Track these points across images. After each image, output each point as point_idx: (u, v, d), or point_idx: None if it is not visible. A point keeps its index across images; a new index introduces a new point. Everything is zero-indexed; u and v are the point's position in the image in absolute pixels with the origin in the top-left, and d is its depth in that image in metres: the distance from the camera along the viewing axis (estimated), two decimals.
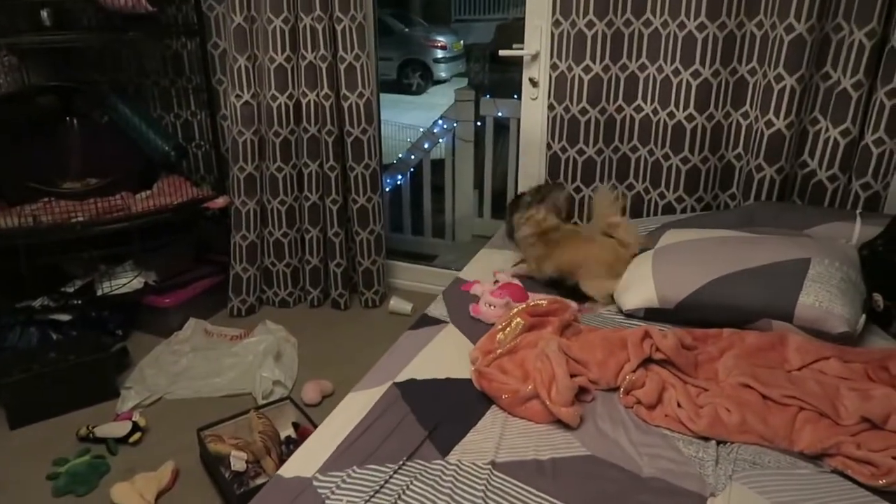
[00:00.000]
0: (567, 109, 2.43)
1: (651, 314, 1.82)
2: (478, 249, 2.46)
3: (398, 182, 3.92)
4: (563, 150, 2.49)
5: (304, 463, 1.29)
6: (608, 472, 1.27)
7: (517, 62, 2.61)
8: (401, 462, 1.28)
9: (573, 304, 1.89)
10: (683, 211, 2.39)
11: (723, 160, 2.34)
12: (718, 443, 1.35)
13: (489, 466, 1.27)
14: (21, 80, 2.81)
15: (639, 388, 1.49)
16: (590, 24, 2.28)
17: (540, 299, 1.81)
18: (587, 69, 2.34)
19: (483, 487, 1.21)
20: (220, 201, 2.88)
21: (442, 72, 8.94)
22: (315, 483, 1.23)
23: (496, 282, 2.03)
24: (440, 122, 3.74)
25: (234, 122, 2.79)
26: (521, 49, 2.55)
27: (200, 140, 3.17)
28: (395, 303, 3.04)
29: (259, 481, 1.86)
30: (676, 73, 2.25)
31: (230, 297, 3.01)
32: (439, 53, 8.94)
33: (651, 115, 2.36)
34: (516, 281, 2.03)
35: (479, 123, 3.59)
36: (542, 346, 1.55)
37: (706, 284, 1.75)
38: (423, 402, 1.47)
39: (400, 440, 1.34)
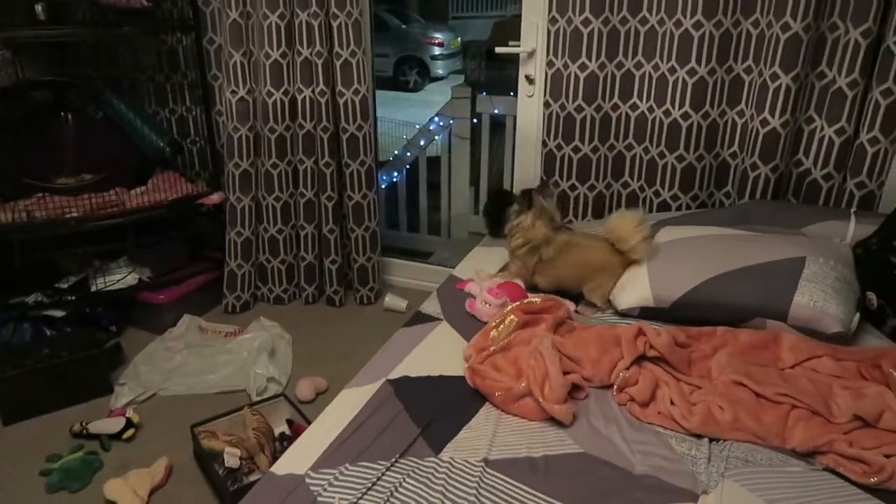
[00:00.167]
0: (563, 107, 2.42)
1: (646, 313, 1.82)
2: (473, 247, 2.46)
3: (394, 179, 3.91)
4: (559, 147, 2.49)
5: (296, 460, 1.29)
6: (601, 469, 1.27)
7: (514, 59, 2.60)
8: (393, 459, 1.28)
9: (567, 303, 1.88)
10: (678, 209, 2.39)
11: (718, 158, 2.34)
12: (711, 440, 1.35)
13: (482, 464, 1.27)
14: (15, 74, 2.79)
15: (632, 385, 1.49)
16: (586, 22, 2.28)
17: (534, 297, 1.81)
18: (583, 67, 2.34)
19: (476, 484, 1.21)
20: (215, 197, 2.88)
21: (439, 69, 8.93)
22: (307, 480, 1.23)
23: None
24: (436, 119, 3.73)
25: (230, 117, 2.78)
26: (518, 46, 2.55)
27: (195, 136, 3.16)
28: (390, 300, 3.03)
29: (253, 478, 1.86)
30: (672, 71, 2.24)
31: (225, 294, 3.01)
32: (436, 50, 8.93)
33: (647, 112, 2.36)
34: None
35: (475, 120, 3.59)
36: (535, 344, 1.55)
37: (701, 283, 1.75)
38: (417, 399, 1.47)
39: (393, 437, 1.34)
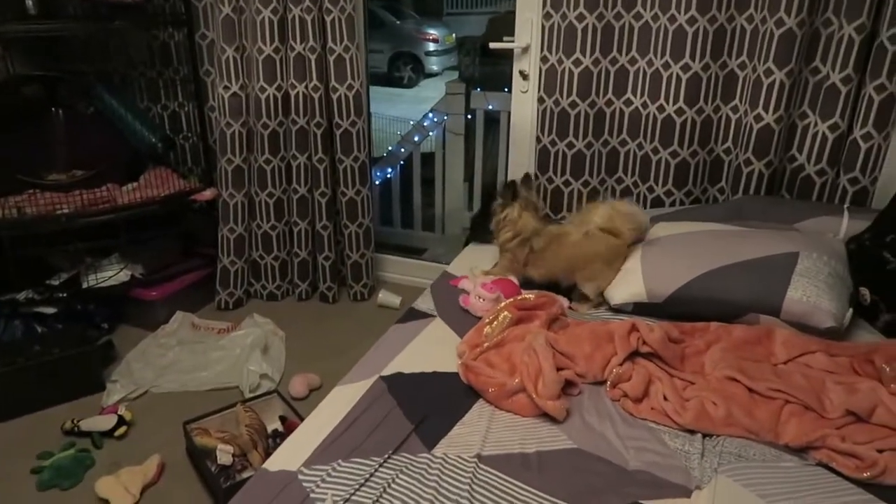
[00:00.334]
0: (557, 102, 2.42)
1: (639, 308, 1.82)
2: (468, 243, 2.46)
3: (388, 175, 3.90)
4: (553, 143, 2.48)
5: (289, 456, 1.29)
6: (594, 465, 1.27)
7: (508, 55, 2.60)
8: (386, 455, 1.27)
9: (561, 299, 1.88)
10: (672, 204, 2.39)
11: (712, 154, 2.34)
12: (704, 436, 1.35)
13: (475, 460, 1.27)
14: (5, 69, 2.77)
15: (625, 381, 1.49)
16: (580, 17, 2.27)
17: (528, 293, 1.81)
18: (577, 62, 2.33)
19: (469, 480, 1.21)
20: (208, 193, 2.86)
21: (433, 65, 8.91)
22: (300, 476, 1.23)
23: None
24: (430, 115, 3.72)
25: (222, 113, 2.76)
26: (512, 42, 2.54)
27: (188, 132, 3.14)
28: (384, 296, 3.03)
29: (246, 475, 1.85)
30: (666, 66, 2.24)
31: (217, 291, 2.99)
32: (431, 46, 8.90)
33: (641, 108, 2.36)
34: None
35: (469, 116, 3.57)
36: (529, 340, 1.55)
37: (695, 279, 1.75)
38: (410, 395, 1.47)
39: (386, 434, 1.34)
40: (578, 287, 1.95)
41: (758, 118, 2.15)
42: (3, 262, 2.50)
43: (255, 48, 2.67)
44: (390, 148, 4.05)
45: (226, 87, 2.72)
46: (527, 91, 2.59)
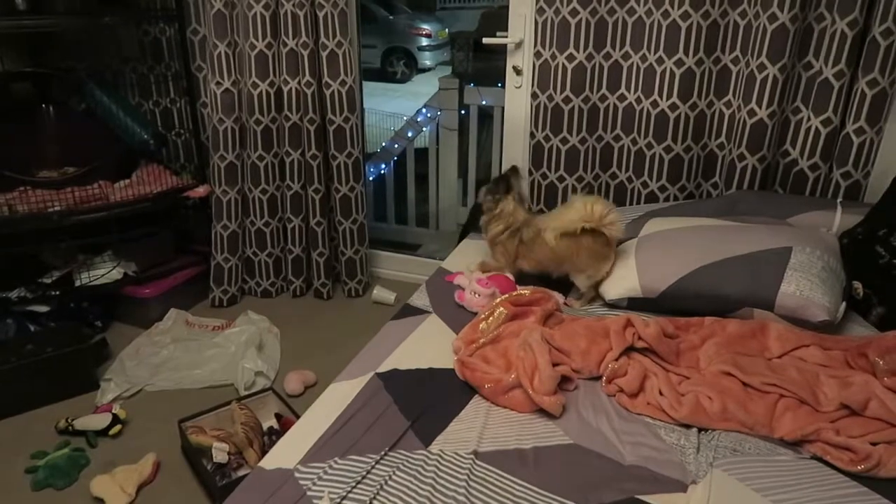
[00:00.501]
0: (550, 98, 2.42)
1: (634, 304, 1.83)
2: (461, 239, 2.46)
3: (382, 171, 3.89)
4: (547, 138, 2.48)
5: (285, 454, 1.28)
6: (590, 460, 1.27)
7: (501, 50, 2.59)
8: (383, 452, 1.27)
9: (556, 295, 1.88)
10: (666, 200, 2.40)
11: (705, 149, 2.35)
12: (700, 430, 1.36)
13: (472, 456, 1.27)
14: None
15: (621, 376, 1.49)
16: (573, 13, 2.27)
17: (523, 289, 1.81)
18: (571, 57, 2.33)
19: (465, 477, 1.21)
20: (201, 190, 2.85)
21: (426, 60, 8.89)
22: (297, 475, 1.22)
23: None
24: (424, 110, 3.71)
25: (215, 109, 2.75)
26: (505, 37, 2.53)
27: (180, 128, 3.12)
28: (379, 292, 3.02)
29: (241, 473, 1.85)
30: (660, 61, 2.24)
31: (212, 288, 2.98)
32: (424, 41, 8.88)
33: (634, 103, 2.36)
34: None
35: (463, 112, 3.57)
36: (524, 336, 1.55)
37: (689, 274, 1.75)
38: (406, 392, 1.47)
39: (382, 431, 1.34)
40: (571, 279, 1.95)
41: (751, 113, 2.15)
42: None
43: (247, 43, 2.65)
44: (384, 144, 4.05)
45: (218, 83, 2.71)
46: (520, 86, 2.59)
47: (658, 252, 1.87)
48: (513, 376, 1.43)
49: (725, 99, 2.25)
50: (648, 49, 2.26)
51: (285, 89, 2.72)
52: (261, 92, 2.71)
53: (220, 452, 1.85)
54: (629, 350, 1.56)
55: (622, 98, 2.38)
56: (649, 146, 2.37)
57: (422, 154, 3.73)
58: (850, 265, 1.81)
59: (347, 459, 1.25)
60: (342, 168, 2.84)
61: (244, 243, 2.99)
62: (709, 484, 1.19)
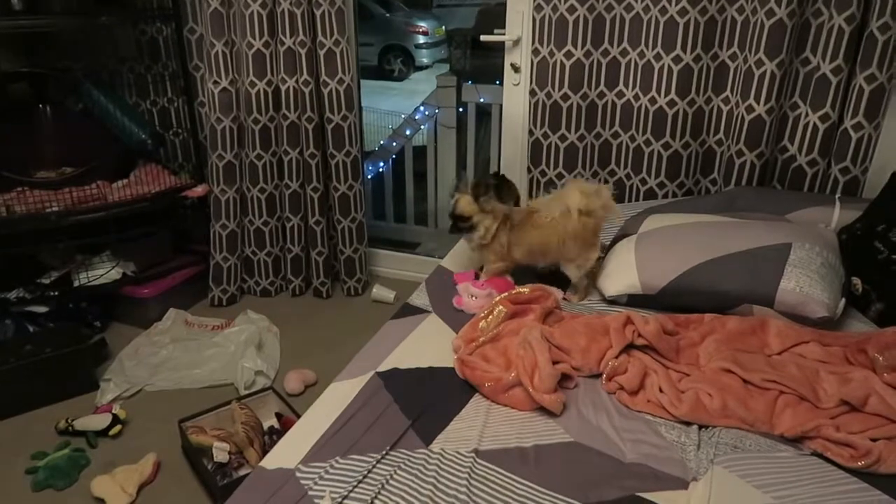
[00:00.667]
0: (549, 95, 2.41)
1: (634, 300, 1.83)
2: (460, 237, 2.45)
3: (380, 169, 3.88)
4: (545, 136, 2.48)
5: (286, 454, 1.28)
6: (591, 458, 1.27)
7: (499, 48, 2.59)
8: (384, 452, 1.27)
9: (556, 292, 1.88)
10: (665, 196, 2.40)
11: (704, 146, 2.35)
12: (700, 427, 1.36)
13: (472, 454, 1.27)
14: None
15: (621, 374, 1.49)
16: (571, 9, 2.27)
17: (522, 287, 1.81)
18: (569, 54, 2.33)
19: (467, 475, 1.21)
20: (199, 190, 2.84)
21: (424, 57, 8.87)
22: (298, 474, 1.22)
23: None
24: (422, 108, 3.71)
25: (212, 109, 2.74)
26: (503, 34, 2.53)
27: (178, 127, 3.11)
28: (378, 291, 3.02)
29: (242, 472, 1.85)
30: (658, 58, 2.24)
31: (211, 287, 2.98)
32: (421, 39, 8.86)
33: (632, 100, 2.36)
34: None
35: (461, 110, 3.56)
36: (524, 334, 1.55)
37: (688, 270, 1.75)
38: (406, 391, 1.46)
39: (383, 430, 1.34)
40: (562, 270, 1.95)
41: (749, 109, 2.15)
42: None
43: (244, 42, 2.65)
44: (382, 142, 4.04)
45: (215, 82, 2.70)
46: (518, 84, 2.58)
47: (657, 249, 1.87)
48: (513, 374, 1.43)
49: (723, 95, 2.25)
50: (646, 45, 2.26)
51: (283, 88, 2.72)
52: (258, 91, 2.71)
53: (220, 452, 1.85)
54: (629, 347, 1.56)
55: (620, 95, 2.38)
56: (647, 143, 2.37)
57: (420, 152, 3.72)
58: (849, 261, 1.81)
59: (348, 459, 1.25)
60: (340, 166, 2.84)
61: (243, 242, 2.99)
62: (710, 481, 1.19)
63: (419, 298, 1.93)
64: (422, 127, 3.71)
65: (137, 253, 2.80)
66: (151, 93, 3.08)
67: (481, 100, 3.35)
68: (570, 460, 1.26)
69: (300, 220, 2.95)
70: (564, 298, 1.92)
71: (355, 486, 1.18)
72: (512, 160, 2.72)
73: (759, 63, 2.08)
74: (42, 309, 2.59)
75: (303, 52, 2.64)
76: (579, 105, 2.39)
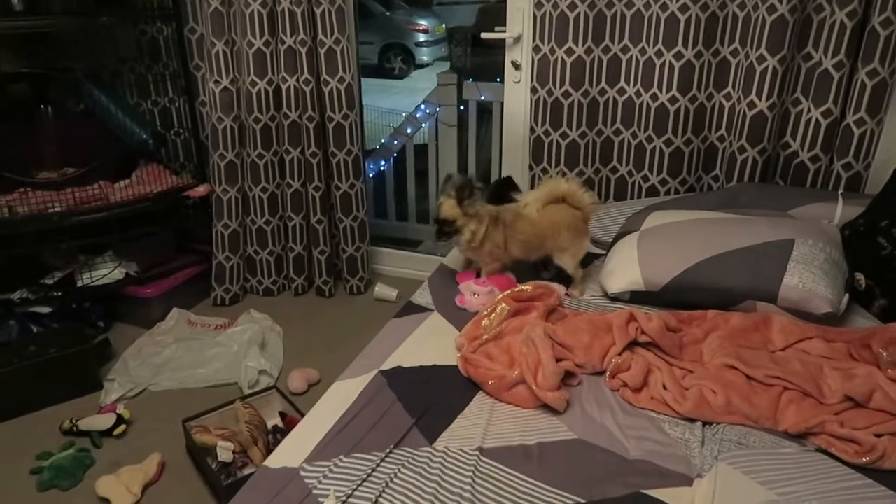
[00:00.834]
0: (550, 92, 2.41)
1: (636, 297, 1.83)
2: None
3: (381, 168, 3.88)
4: (547, 133, 2.48)
5: (290, 453, 1.29)
6: (595, 455, 1.28)
7: (500, 45, 2.58)
8: (388, 450, 1.27)
9: (558, 288, 1.88)
10: (667, 193, 2.39)
11: (706, 142, 2.34)
12: (704, 424, 1.36)
13: (476, 452, 1.27)
14: None
15: (624, 371, 1.49)
16: (572, 6, 2.26)
17: (524, 285, 1.81)
18: (570, 52, 2.33)
19: (471, 473, 1.21)
20: (201, 189, 2.84)
21: (424, 55, 8.86)
22: (302, 473, 1.23)
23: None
24: (423, 106, 3.70)
25: (213, 108, 2.74)
26: (504, 32, 2.53)
27: (179, 127, 3.11)
28: (381, 289, 3.02)
29: (246, 472, 1.85)
30: (659, 54, 2.24)
31: (213, 287, 2.98)
32: (421, 37, 8.85)
33: (634, 97, 2.35)
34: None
35: (462, 107, 3.56)
36: (527, 332, 1.55)
37: (691, 267, 1.75)
38: (410, 389, 1.47)
39: (387, 428, 1.34)
40: (556, 262, 1.95)
41: (751, 105, 2.15)
42: None
43: (244, 42, 2.64)
44: (383, 140, 4.03)
45: (216, 82, 2.70)
46: (519, 81, 2.58)
47: (660, 245, 1.87)
48: (516, 372, 1.44)
49: (725, 91, 2.25)
50: (647, 42, 2.25)
51: (284, 87, 2.72)
52: (259, 90, 2.71)
53: (224, 451, 1.86)
54: (632, 344, 1.56)
55: (622, 92, 2.37)
56: (649, 140, 2.36)
57: (421, 150, 3.72)
58: (852, 257, 1.81)
59: (352, 457, 1.26)
60: (342, 165, 2.83)
61: (245, 242, 2.99)
62: (714, 477, 1.19)
63: (422, 297, 1.93)
64: (423, 125, 3.71)
65: (140, 253, 2.80)
66: (152, 93, 3.08)
67: (482, 97, 3.35)
68: (574, 457, 1.27)
69: (302, 219, 2.95)
70: (567, 294, 1.92)
71: (359, 485, 1.18)
72: (513, 158, 2.72)
73: (761, 59, 2.08)
74: (45, 309, 2.59)
75: (303, 50, 2.64)
76: (581, 102, 2.39)
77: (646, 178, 2.42)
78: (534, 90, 2.45)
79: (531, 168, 2.56)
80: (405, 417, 1.37)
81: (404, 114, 3.94)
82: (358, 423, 1.36)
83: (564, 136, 2.45)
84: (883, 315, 1.70)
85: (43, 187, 2.56)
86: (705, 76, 2.23)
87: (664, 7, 2.17)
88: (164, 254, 2.94)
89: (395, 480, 1.20)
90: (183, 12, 2.80)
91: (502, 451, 1.28)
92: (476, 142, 3.49)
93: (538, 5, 2.32)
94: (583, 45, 2.31)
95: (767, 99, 2.11)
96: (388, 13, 8.98)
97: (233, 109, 2.75)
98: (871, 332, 1.53)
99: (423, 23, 8.84)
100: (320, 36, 2.63)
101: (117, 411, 2.16)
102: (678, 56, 2.20)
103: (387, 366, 1.56)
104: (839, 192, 2.04)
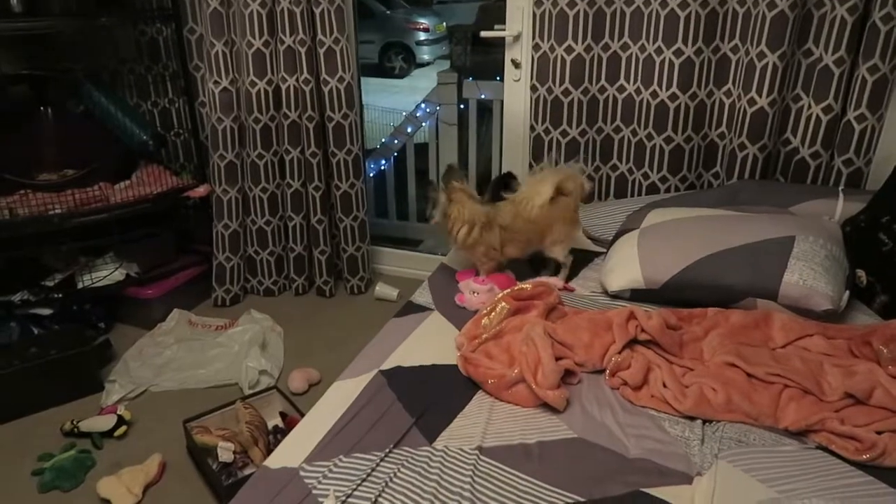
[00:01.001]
0: (550, 90, 2.41)
1: (637, 295, 1.82)
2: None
3: (382, 167, 3.88)
4: (547, 131, 2.47)
5: (290, 453, 1.29)
6: (595, 453, 1.27)
7: (500, 44, 2.58)
8: (387, 450, 1.27)
9: (556, 282, 1.88)
10: (667, 191, 2.39)
11: (706, 139, 2.34)
12: (704, 422, 1.36)
13: (476, 452, 1.27)
14: None
15: (624, 369, 1.49)
16: (571, 4, 2.26)
17: (524, 283, 1.81)
18: (569, 49, 2.32)
19: (470, 473, 1.21)
20: (201, 190, 2.84)
21: (425, 54, 8.86)
22: (302, 473, 1.23)
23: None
24: (423, 105, 3.70)
25: (213, 108, 2.74)
26: (503, 30, 2.52)
27: (179, 128, 3.11)
28: (381, 289, 3.02)
29: (247, 472, 1.85)
30: (659, 51, 2.23)
31: (214, 287, 2.98)
32: (422, 36, 8.85)
33: (634, 94, 2.35)
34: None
35: (462, 106, 3.56)
36: (527, 330, 1.55)
37: (691, 264, 1.75)
38: (410, 389, 1.47)
39: (386, 428, 1.34)
40: (548, 255, 1.96)
41: (751, 102, 2.14)
42: None
43: (244, 42, 2.64)
44: (383, 140, 4.03)
45: (216, 82, 2.70)
46: (519, 79, 2.58)
47: (660, 243, 1.86)
48: (516, 371, 1.43)
49: (725, 88, 2.24)
50: (647, 39, 2.25)
51: (283, 87, 2.72)
52: (259, 90, 2.71)
53: (225, 452, 1.86)
54: (632, 342, 1.55)
55: (621, 89, 2.37)
56: (650, 137, 2.36)
57: (422, 149, 3.72)
58: (853, 253, 1.80)
59: (352, 457, 1.26)
60: (342, 165, 2.83)
61: (245, 242, 2.99)
62: (714, 475, 1.19)
63: (422, 296, 1.93)
64: (423, 124, 3.71)
65: (140, 254, 2.80)
66: (152, 93, 3.08)
67: (482, 96, 3.34)
68: (574, 456, 1.26)
69: (302, 219, 2.95)
70: (565, 288, 1.92)
71: (359, 485, 1.18)
72: (514, 156, 2.71)
73: (761, 55, 2.07)
74: (46, 311, 2.59)
75: (303, 50, 2.64)
76: (580, 100, 2.38)
77: (646, 176, 2.42)
78: (534, 88, 2.44)
79: (531, 166, 2.56)
80: (405, 417, 1.37)
81: (404, 113, 3.94)
82: (357, 422, 1.36)
83: (564, 133, 2.45)
84: (884, 311, 1.70)
85: (43, 189, 2.56)
86: (705, 73, 2.23)
87: (664, 4, 2.16)
88: (165, 255, 2.94)
89: (395, 480, 1.20)
90: (182, 13, 2.80)
91: (502, 451, 1.28)
92: (476, 140, 3.49)
93: (538, 3, 2.32)
94: (582, 42, 2.30)
95: (768, 95, 2.11)
96: (388, 12, 8.98)
97: (232, 110, 2.75)
98: (872, 328, 1.53)
99: (424, 21, 8.84)
100: (319, 36, 2.63)
101: (118, 412, 2.16)
102: (678, 53, 2.20)
103: (386, 365, 1.56)
104: (840, 189, 2.03)
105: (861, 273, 1.77)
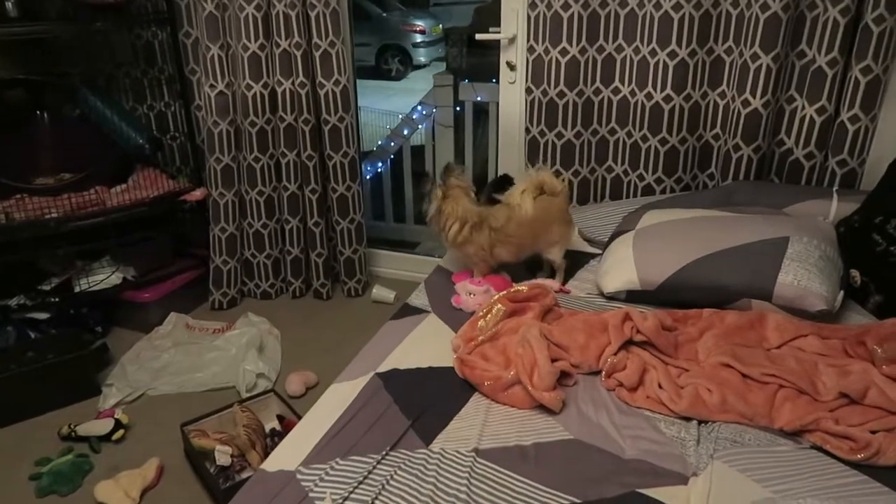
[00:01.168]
0: (545, 93, 2.41)
1: (632, 296, 1.83)
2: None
3: (378, 169, 3.89)
4: (542, 133, 2.48)
5: (287, 456, 1.29)
6: (591, 455, 1.28)
7: (496, 46, 2.59)
8: (384, 452, 1.27)
9: (551, 283, 1.89)
10: (663, 192, 2.40)
11: (701, 140, 2.35)
12: (700, 422, 1.36)
13: (472, 454, 1.27)
14: None
15: (620, 370, 1.49)
16: (565, 6, 2.27)
17: (520, 285, 1.81)
18: (564, 52, 2.33)
19: (467, 475, 1.21)
20: (198, 193, 2.84)
21: (421, 56, 8.86)
22: (299, 476, 1.23)
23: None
24: (419, 107, 3.71)
25: (209, 112, 2.75)
26: (498, 32, 2.53)
27: (175, 131, 3.11)
28: (378, 291, 3.03)
29: (245, 475, 1.86)
30: (653, 53, 2.24)
31: (211, 291, 2.98)
32: (418, 38, 8.85)
33: (629, 96, 2.35)
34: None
35: (458, 108, 3.56)
36: (523, 332, 1.55)
37: (686, 265, 1.75)
38: (406, 391, 1.47)
39: (383, 430, 1.34)
40: (544, 257, 1.96)
41: (745, 103, 2.15)
42: None
43: (239, 45, 2.65)
44: (380, 142, 4.04)
45: (212, 86, 2.71)
46: (514, 82, 2.58)
47: (655, 244, 1.87)
48: (512, 373, 1.44)
49: (719, 89, 2.25)
50: (641, 41, 2.25)
51: (279, 90, 2.72)
52: (255, 93, 2.71)
53: (223, 455, 1.86)
54: (628, 344, 1.56)
55: (616, 91, 2.37)
56: (644, 139, 2.37)
57: (418, 151, 3.72)
58: (847, 253, 1.81)
59: (349, 460, 1.26)
60: (338, 168, 2.84)
61: (242, 245, 2.99)
62: (709, 476, 1.19)
63: (418, 298, 1.94)
64: (419, 126, 3.71)
65: (137, 257, 2.80)
66: (148, 97, 3.08)
67: (478, 98, 3.35)
68: (570, 458, 1.27)
69: (299, 222, 2.96)
70: (562, 290, 1.92)
71: (356, 487, 1.19)
72: (509, 158, 2.72)
73: (755, 57, 2.08)
74: (43, 315, 2.59)
75: (298, 53, 2.64)
76: (575, 102, 2.39)
77: (641, 178, 2.43)
78: (528, 90, 2.45)
79: (527, 168, 2.56)
80: (401, 419, 1.38)
81: (401, 115, 3.94)
82: (354, 425, 1.36)
83: (560, 136, 2.45)
84: (878, 311, 1.71)
85: (39, 193, 2.56)
86: (699, 75, 2.23)
87: (657, 6, 2.17)
88: (162, 258, 2.94)
89: (392, 483, 1.20)
90: (178, 17, 2.81)
91: (498, 452, 1.28)
92: (472, 142, 3.50)
93: (532, 6, 2.33)
94: (577, 45, 2.31)
95: (762, 97, 2.12)
96: (384, 14, 8.98)
97: (228, 113, 2.76)
98: (866, 328, 1.54)
99: (420, 23, 8.83)
100: (315, 39, 2.63)
101: (115, 416, 2.16)
102: (672, 55, 2.21)
103: (383, 368, 1.56)
104: (834, 189, 2.04)
105: (855, 273, 1.78)
